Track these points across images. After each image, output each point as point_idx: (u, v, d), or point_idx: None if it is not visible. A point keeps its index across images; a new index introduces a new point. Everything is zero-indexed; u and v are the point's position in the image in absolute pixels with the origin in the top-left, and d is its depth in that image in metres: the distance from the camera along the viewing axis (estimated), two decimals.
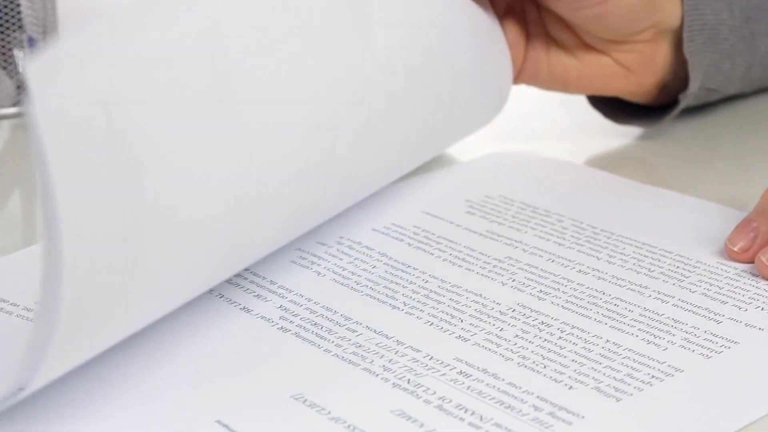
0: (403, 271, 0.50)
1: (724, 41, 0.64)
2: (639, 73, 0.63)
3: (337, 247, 0.52)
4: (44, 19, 0.72)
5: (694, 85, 0.63)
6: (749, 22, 0.65)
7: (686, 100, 0.63)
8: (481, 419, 0.39)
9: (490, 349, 0.43)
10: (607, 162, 0.64)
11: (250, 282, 0.49)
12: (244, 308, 0.47)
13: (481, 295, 0.48)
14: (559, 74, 0.63)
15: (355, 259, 0.51)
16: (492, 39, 0.60)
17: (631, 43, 0.61)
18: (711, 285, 0.48)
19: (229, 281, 0.48)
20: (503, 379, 0.41)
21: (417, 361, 0.43)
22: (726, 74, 0.65)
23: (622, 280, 0.49)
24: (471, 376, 0.41)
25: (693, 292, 0.48)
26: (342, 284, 0.49)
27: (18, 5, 0.70)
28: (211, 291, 0.48)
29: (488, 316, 0.46)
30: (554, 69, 0.63)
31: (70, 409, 0.40)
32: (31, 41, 0.71)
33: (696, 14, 0.62)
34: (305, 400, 0.40)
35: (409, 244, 0.53)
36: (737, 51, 0.65)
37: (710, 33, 0.63)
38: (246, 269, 0.49)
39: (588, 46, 0.62)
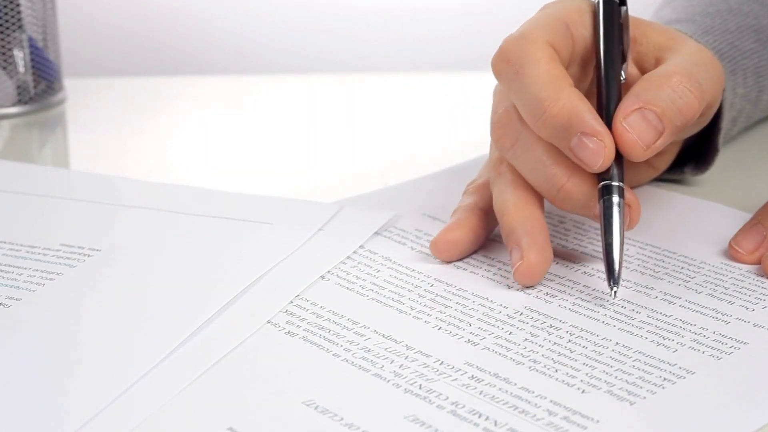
0: (407, 275, 0.50)
1: (733, 109, 0.60)
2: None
3: None
4: (44, 19, 0.71)
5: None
6: (759, 80, 0.61)
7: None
8: (495, 424, 0.39)
9: (500, 354, 0.43)
10: None
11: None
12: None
13: (487, 298, 0.47)
14: None
15: (358, 263, 0.51)
16: None
17: None
18: (717, 286, 0.48)
19: None
20: (515, 384, 0.41)
21: (427, 366, 0.42)
22: (728, 131, 0.62)
23: (628, 281, 0.49)
24: (483, 380, 0.41)
25: (699, 293, 0.48)
26: (347, 288, 0.48)
27: (18, 5, 0.70)
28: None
29: (496, 320, 0.46)
30: None
31: (76, 415, 0.39)
32: (31, 41, 0.70)
33: (729, 116, 0.58)
34: (317, 406, 0.40)
35: (412, 248, 0.52)
36: (744, 112, 0.61)
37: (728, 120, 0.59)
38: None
39: None
